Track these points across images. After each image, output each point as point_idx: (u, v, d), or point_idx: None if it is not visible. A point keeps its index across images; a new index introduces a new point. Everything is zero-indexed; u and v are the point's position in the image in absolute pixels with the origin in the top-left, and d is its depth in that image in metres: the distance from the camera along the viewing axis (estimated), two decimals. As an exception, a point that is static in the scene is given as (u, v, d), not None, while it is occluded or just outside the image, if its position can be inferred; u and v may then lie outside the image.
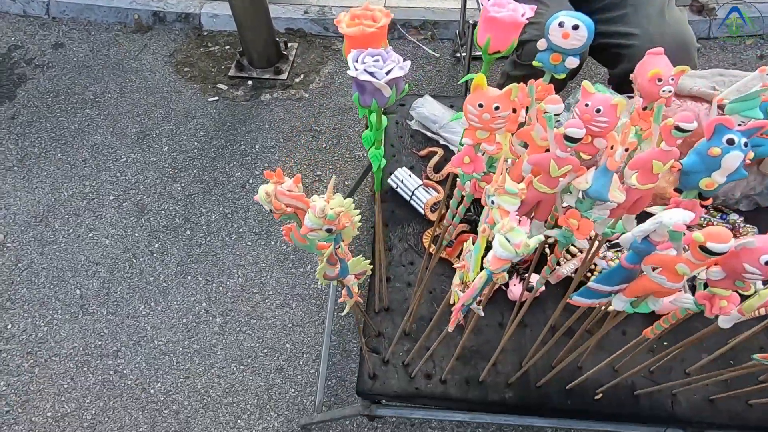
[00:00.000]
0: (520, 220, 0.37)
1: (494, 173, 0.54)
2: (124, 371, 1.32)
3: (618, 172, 0.45)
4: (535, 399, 0.83)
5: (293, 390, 1.31)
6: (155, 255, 1.52)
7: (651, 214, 0.42)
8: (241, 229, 1.58)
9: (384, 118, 0.53)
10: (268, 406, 1.29)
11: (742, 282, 0.39)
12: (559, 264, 0.86)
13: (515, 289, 0.89)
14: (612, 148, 0.42)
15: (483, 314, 0.51)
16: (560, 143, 0.44)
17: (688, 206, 0.47)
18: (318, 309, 1.44)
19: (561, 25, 0.52)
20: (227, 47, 2.07)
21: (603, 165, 0.44)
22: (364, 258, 0.52)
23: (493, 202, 0.39)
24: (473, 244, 0.45)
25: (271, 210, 0.41)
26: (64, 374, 1.31)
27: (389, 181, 1.04)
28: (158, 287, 1.46)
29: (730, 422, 0.78)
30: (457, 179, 0.52)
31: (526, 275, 0.75)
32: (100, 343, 1.36)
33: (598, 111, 0.44)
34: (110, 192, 1.64)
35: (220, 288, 1.46)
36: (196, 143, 1.77)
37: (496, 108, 0.43)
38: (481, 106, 0.44)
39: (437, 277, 0.94)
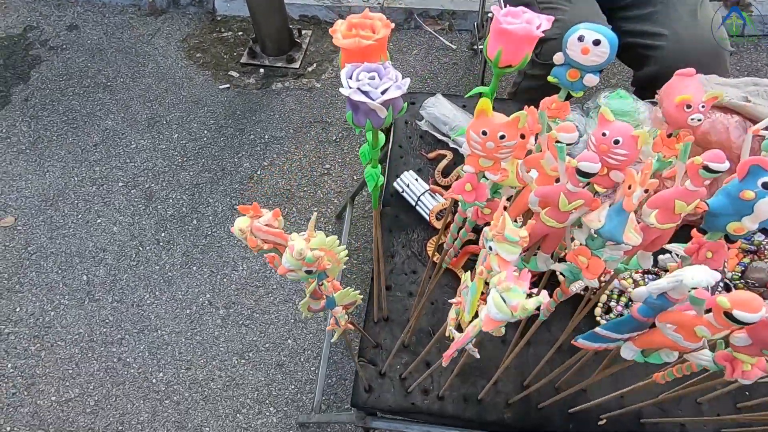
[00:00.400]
0: (520, 273, 0.33)
1: (499, 198, 0.49)
2: (128, 359, 1.32)
3: (635, 210, 0.40)
4: (535, 420, 0.79)
5: (293, 386, 1.30)
6: (161, 244, 1.50)
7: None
8: (247, 221, 1.55)
9: (381, 135, 0.48)
10: (267, 402, 1.28)
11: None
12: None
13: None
14: (630, 188, 0.37)
15: (478, 356, 0.47)
16: (572, 177, 0.39)
17: (713, 248, 0.42)
18: (321, 305, 1.41)
19: (581, 39, 0.47)
20: (240, 33, 2.02)
21: (618, 204, 0.39)
22: (353, 289, 0.49)
23: (491, 249, 0.34)
24: (474, 272, 0.41)
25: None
26: (69, 359, 1.32)
27: (395, 184, 0.99)
28: (163, 276, 1.45)
29: (740, 458, 0.74)
30: (459, 204, 0.48)
31: (534, 291, 0.70)
32: (104, 330, 1.36)
33: (616, 142, 0.39)
34: (119, 178, 1.63)
35: (225, 280, 1.45)
36: (205, 131, 1.74)
37: (502, 137, 0.39)
38: (484, 133, 0.39)
39: (440, 288, 0.90)
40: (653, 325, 0.40)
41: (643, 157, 0.46)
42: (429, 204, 0.94)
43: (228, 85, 1.85)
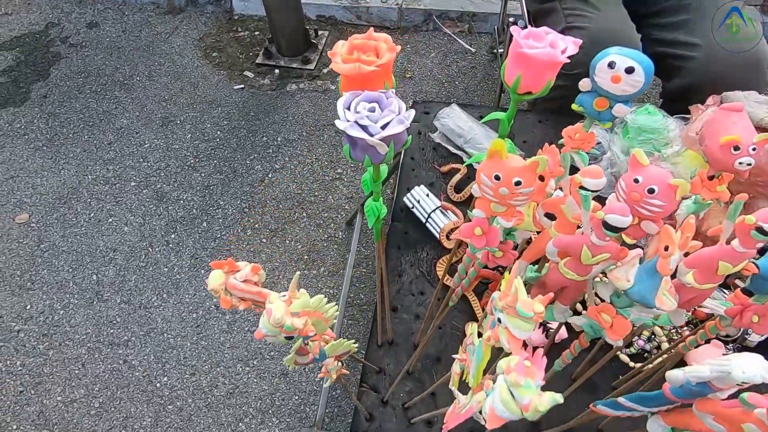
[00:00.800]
0: (533, 357, 0.27)
1: (513, 240, 0.44)
2: (133, 362, 1.30)
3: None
4: (544, 459, 0.74)
5: (297, 397, 1.26)
6: (171, 246, 1.48)
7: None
8: (257, 225, 1.52)
9: (384, 167, 0.43)
10: (270, 411, 1.24)
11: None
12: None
13: (534, 335, 0.79)
14: (667, 249, 0.32)
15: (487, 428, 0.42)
16: (598, 229, 0.34)
17: (760, 312, 0.36)
18: (328, 315, 1.37)
19: (611, 65, 0.40)
20: (257, 33, 1.98)
21: (651, 264, 0.33)
22: (347, 339, 0.44)
23: (499, 321, 0.29)
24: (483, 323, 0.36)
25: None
26: (76, 360, 1.31)
27: (405, 199, 0.94)
28: (171, 279, 1.43)
29: None
30: (467, 244, 0.42)
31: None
32: (111, 331, 1.35)
33: (650, 192, 0.33)
34: (132, 178, 1.61)
35: (232, 285, 1.41)
36: (218, 132, 1.71)
37: (518, 183, 0.33)
38: (497, 178, 0.33)
39: (449, 311, 0.85)
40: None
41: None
42: (440, 222, 0.89)
43: (243, 86, 1.82)
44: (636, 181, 0.34)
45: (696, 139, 0.85)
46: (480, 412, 0.38)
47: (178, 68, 1.87)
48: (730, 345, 0.71)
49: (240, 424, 1.23)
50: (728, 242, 0.32)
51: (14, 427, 1.22)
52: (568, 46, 0.42)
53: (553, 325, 0.78)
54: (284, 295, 0.31)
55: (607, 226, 0.33)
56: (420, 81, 1.83)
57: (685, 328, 0.73)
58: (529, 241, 0.47)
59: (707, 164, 0.85)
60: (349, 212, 1.53)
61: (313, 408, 1.24)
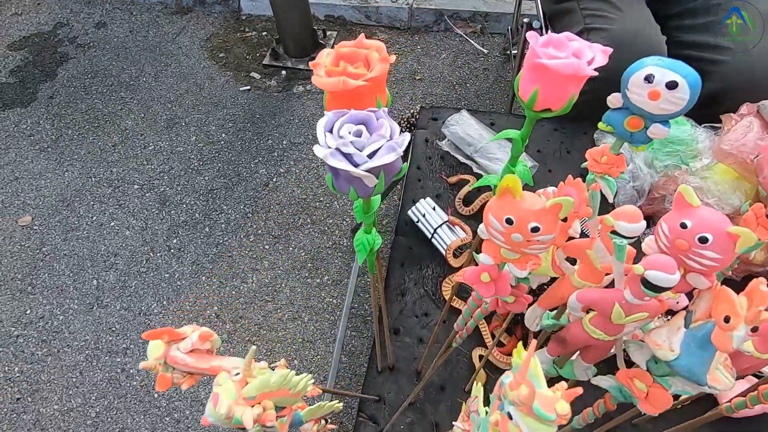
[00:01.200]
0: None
1: (527, 284, 0.37)
2: (131, 371, 1.26)
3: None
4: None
5: (296, 411, 1.20)
6: (172, 251, 1.43)
7: None
8: (260, 231, 1.46)
9: (376, 199, 0.36)
10: (269, 426, 1.19)
11: None
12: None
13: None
14: (728, 321, 0.24)
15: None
16: (635, 286, 0.27)
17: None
18: (331, 326, 1.31)
19: (649, 79, 0.33)
20: (265, 33, 1.92)
21: (703, 333, 0.26)
22: (330, 400, 0.38)
23: (510, 416, 0.22)
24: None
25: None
26: (74, 367, 1.27)
27: (409, 213, 0.87)
28: (172, 285, 1.38)
29: None
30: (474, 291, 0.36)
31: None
32: (110, 338, 1.30)
33: (703, 241, 0.26)
34: (135, 180, 1.57)
35: (233, 292, 1.36)
36: (223, 134, 1.66)
37: (535, 229, 0.26)
38: (510, 222, 0.27)
39: (455, 335, 0.78)
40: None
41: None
42: (447, 238, 0.82)
43: (249, 87, 1.76)
44: (683, 226, 0.26)
45: (729, 151, 0.76)
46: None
47: (185, 69, 1.82)
48: None
49: (238, 438, 1.17)
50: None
51: (10, 435, 1.18)
52: (596, 55, 0.35)
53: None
54: (238, 373, 0.25)
55: (647, 284, 0.26)
56: (430, 83, 1.75)
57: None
58: (547, 285, 0.40)
59: (743, 179, 0.76)
60: (354, 219, 1.47)
61: (313, 423, 1.18)
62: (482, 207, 0.88)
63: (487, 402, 0.29)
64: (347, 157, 0.29)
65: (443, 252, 0.82)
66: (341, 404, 0.41)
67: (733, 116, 0.81)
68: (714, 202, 0.77)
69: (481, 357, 0.74)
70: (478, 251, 0.75)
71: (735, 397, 0.36)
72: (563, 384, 0.21)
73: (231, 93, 1.75)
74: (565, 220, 0.29)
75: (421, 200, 0.87)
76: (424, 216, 0.85)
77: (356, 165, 0.29)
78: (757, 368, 0.30)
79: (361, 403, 0.74)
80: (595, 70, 0.34)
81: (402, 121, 1.07)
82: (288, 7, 1.63)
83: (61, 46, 1.91)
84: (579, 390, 0.21)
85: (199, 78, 1.79)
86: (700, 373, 0.26)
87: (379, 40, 1.77)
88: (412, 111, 1.07)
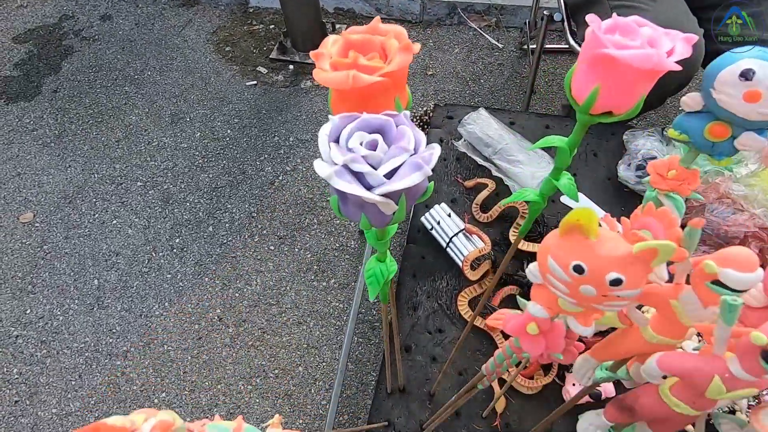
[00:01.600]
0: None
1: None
2: (131, 375, 1.21)
3: None
4: None
5: (300, 421, 1.14)
6: (175, 251, 1.37)
7: None
8: (264, 231, 1.40)
9: (392, 227, 0.29)
10: (271, 435, 1.13)
11: None
12: None
13: (573, 390, 0.64)
14: None
15: None
16: (749, 358, 0.19)
17: None
18: (337, 331, 1.25)
19: (747, 75, 0.25)
20: (272, 26, 1.84)
21: None
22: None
23: None
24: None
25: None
26: (74, 370, 1.22)
27: (423, 219, 0.80)
28: (174, 286, 1.32)
29: None
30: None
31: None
32: (111, 340, 1.25)
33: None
34: (138, 177, 1.51)
35: (237, 295, 1.30)
36: (229, 131, 1.59)
37: (616, 282, 0.19)
38: (580, 270, 0.19)
39: (471, 353, 0.71)
40: None
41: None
42: (463, 248, 0.74)
43: (255, 82, 1.69)
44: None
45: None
46: None
47: (190, 63, 1.75)
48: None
49: (239, 448, 1.11)
50: None
51: (6, 440, 1.14)
52: (676, 45, 0.27)
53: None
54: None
55: None
56: (442, 79, 1.67)
57: None
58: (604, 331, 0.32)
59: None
60: (362, 220, 1.39)
61: (318, 434, 1.12)
62: (501, 214, 0.80)
63: None
64: (358, 177, 0.21)
65: (459, 263, 0.75)
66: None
67: (783, 118, 0.72)
68: (761, 213, 0.69)
69: (500, 380, 0.67)
70: (494, 261, 0.66)
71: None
72: None
73: (237, 88, 1.68)
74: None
75: (436, 206, 0.80)
76: (438, 223, 0.77)
77: (369, 187, 0.21)
78: None
79: (370, 424, 0.67)
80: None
81: (414, 119, 0.99)
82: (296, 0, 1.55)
83: (66, 38, 1.85)
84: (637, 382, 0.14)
85: (204, 72, 1.72)
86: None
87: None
88: (425, 108, 0.99)
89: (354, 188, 0.21)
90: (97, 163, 1.54)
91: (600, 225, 0.19)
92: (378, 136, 0.22)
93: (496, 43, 1.72)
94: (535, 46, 1.32)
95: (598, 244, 0.19)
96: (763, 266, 0.20)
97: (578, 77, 0.29)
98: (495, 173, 0.83)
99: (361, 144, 0.22)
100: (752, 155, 0.75)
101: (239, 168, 1.51)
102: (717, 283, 0.20)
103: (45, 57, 1.80)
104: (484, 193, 0.81)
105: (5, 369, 1.22)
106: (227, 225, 1.41)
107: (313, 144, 1.55)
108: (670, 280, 0.24)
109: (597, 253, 0.19)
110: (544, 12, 1.21)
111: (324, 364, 1.21)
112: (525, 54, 1.66)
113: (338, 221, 1.40)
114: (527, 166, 0.81)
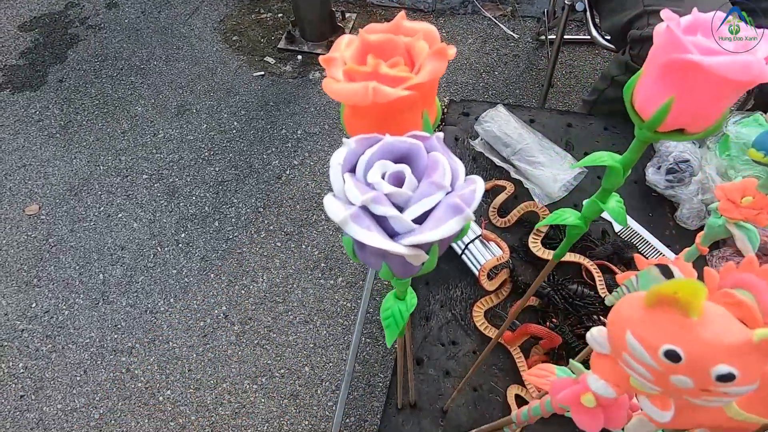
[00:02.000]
0: None
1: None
2: (136, 371, 1.18)
3: None
4: None
5: (306, 422, 1.11)
6: (181, 245, 1.34)
7: None
8: (271, 227, 1.35)
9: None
10: (277, 436, 1.10)
11: None
12: None
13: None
14: None
15: None
16: None
17: None
18: (344, 331, 1.21)
19: None
20: (280, 15, 1.78)
21: None
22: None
23: None
24: None
25: None
26: (78, 365, 1.19)
27: (436, 223, 0.75)
28: (180, 282, 1.29)
29: None
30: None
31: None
32: (116, 336, 1.22)
33: None
34: (144, 170, 1.47)
35: (243, 292, 1.26)
36: (235, 123, 1.54)
37: (724, 378, 0.14)
38: (675, 358, 0.14)
39: (487, 368, 0.66)
40: None
41: None
42: (480, 257, 0.69)
43: (263, 73, 1.64)
44: None
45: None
46: None
47: (197, 52, 1.70)
48: None
49: (244, 448, 1.09)
50: None
51: (12, 435, 1.12)
52: (774, 48, 0.21)
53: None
54: None
55: None
56: (455, 70, 1.60)
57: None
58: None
59: None
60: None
61: (324, 436, 1.09)
62: (520, 219, 0.75)
63: None
64: (380, 221, 0.16)
65: (475, 271, 0.70)
66: None
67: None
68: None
69: (518, 397, 0.62)
70: (512, 270, 0.61)
71: None
72: None
73: (244, 78, 1.62)
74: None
75: (450, 209, 0.75)
76: (453, 228, 0.72)
77: (394, 234, 0.16)
78: None
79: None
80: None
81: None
82: (305, -14, 1.48)
83: (71, 27, 1.80)
84: None
85: (211, 62, 1.67)
86: None
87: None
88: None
89: (375, 238, 0.16)
90: (102, 154, 1.50)
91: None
92: (405, 167, 0.17)
93: (512, 33, 1.65)
94: (553, 37, 1.25)
95: (701, 325, 0.14)
96: None
97: (644, 88, 0.23)
98: (514, 175, 0.78)
99: (383, 177, 0.17)
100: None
101: (246, 161, 1.46)
102: None
103: (50, 45, 1.76)
104: (501, 197, 0.76)
105: (11, 363, 1.20)
106: (233, 220, 1.37)
107: (320, 137, 1.49)
108: None
109: (700, 336, 0.14)
110: (565, 1, 1.14)
111: (331, 364, 1.17)
112: (541, 45, 1.58)
113: (346, 218, 1.35)
114: (548, 168, 0.75)
